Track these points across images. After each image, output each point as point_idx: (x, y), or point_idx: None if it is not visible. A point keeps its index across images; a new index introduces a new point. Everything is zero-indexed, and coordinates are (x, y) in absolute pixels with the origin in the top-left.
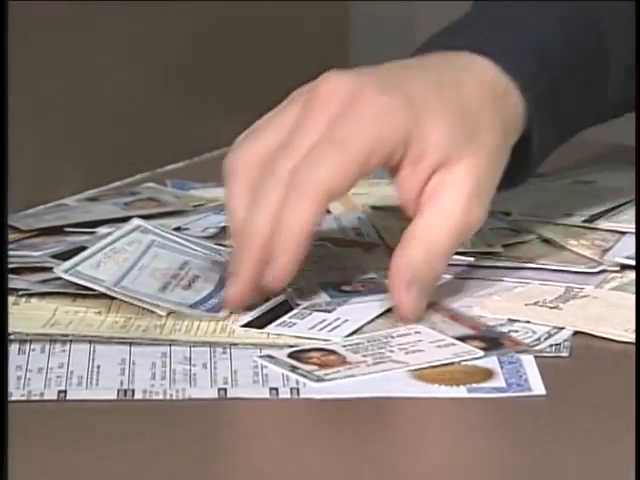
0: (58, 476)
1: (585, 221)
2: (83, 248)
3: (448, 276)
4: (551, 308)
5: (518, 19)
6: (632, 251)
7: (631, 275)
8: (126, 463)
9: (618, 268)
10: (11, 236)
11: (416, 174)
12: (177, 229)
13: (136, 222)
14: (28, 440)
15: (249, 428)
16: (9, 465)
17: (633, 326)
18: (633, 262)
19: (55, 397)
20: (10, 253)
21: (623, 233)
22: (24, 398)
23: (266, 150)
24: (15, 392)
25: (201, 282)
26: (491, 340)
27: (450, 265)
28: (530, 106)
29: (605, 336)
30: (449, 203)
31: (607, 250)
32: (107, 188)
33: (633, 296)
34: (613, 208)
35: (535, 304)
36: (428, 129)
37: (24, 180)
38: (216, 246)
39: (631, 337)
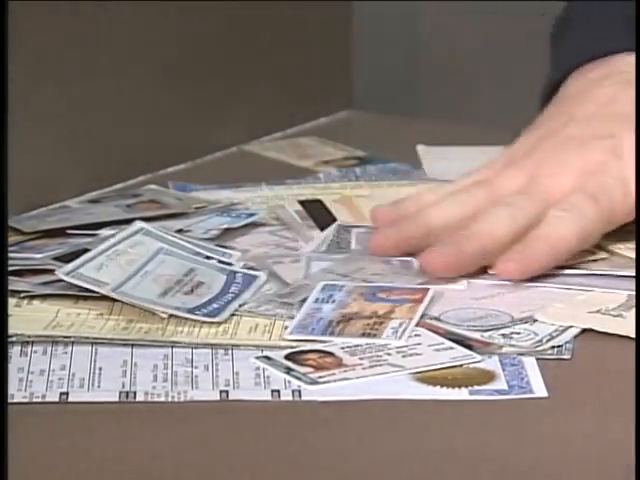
0: (59, 478)
1: None
2: (85, 250)
3: (512, 285)
4: (614, 316)
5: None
6: None
7: None
8: (127, 465)
9: None
10: (12, 238)
11: None
12: (179, 231)
13: (138, 225)
14: (30, 442)
15: (251, 430)
16: (10, 466)
17: None
18: None
19: (57, 399)
20: (12, 255)
21: None
22: (26, 400)
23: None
24: (17, 394)
25: (204, 288)
26: (458, 343)
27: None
28: None
29: None
30: None
31: None
32: (109, 190)
33: None
34: None
35: (598, 312)
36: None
37: (25, 182)
38: (221, 249)
39: None
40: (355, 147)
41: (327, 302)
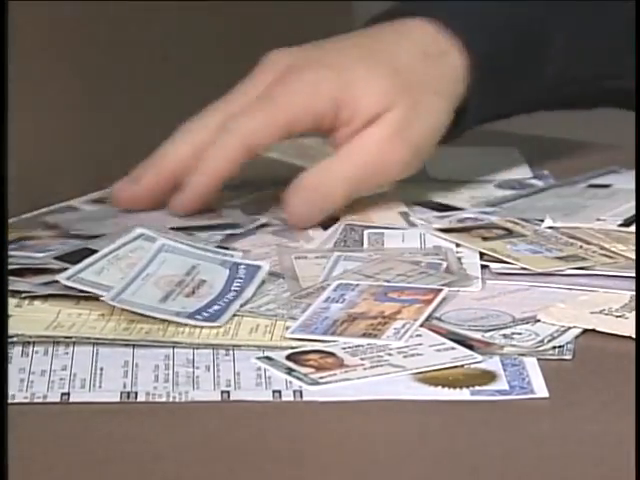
0: (60, 478)
1: (621, 225)
2: (87, 250)
3: (514, 284)
4: (617, 317)
5: None
6: None
7: None
8: (129, 466)
9: None
10: (12, 234)
11: (350, 132)
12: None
13: (139, 230)
14: (31, 442)
15: (252, 431)
16: (11, 467)
17: None
18: None
19: (58, 399)
20: (13, 254)
21: None
22: (27, 400)
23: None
24: (18, 394)
25: (206, 287)
26: (460, 344)
27: (516, 274)
28: (470, 66)
29: None
30: (366, 139)
31: None
32: (104, 193)
33: None
34: None
35: (601, 312)
36: (357, 93)
37: (26, 183)
38: (224, 250)
39: None
40: None
41: (337, 302)
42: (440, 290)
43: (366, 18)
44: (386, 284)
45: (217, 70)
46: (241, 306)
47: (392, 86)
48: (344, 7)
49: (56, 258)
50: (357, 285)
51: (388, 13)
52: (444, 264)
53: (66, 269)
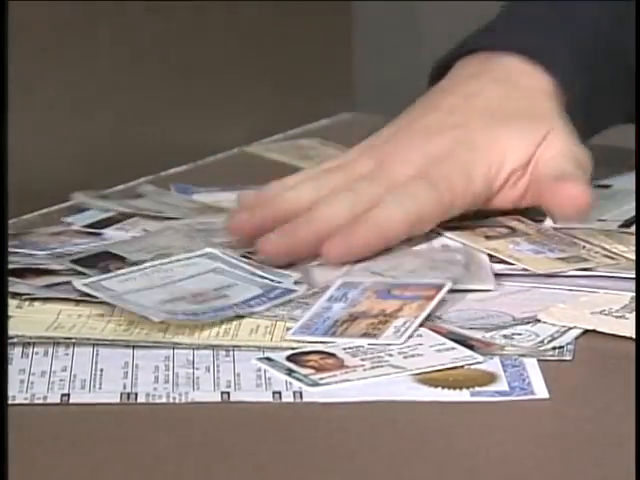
0: (61, 478)
1: (622, 226)
2: (108, 254)
3: (515, 285)
4: (617, 317)
5: (554, 19)
6: None
7: None
8: (129, 467)
9: None
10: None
11: (511, 190)
12: None
13: (207, 250)
14: (31, 443)
15: (252, 432)
16: (11, 468)
17: None
18: None
19: (58, 400)
20: (14, 250)
21: None
22: (27, 401)
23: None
24: (18, 395)
25: (223, 299)
26: (460, 344)
27: (518, 275)
28: (569, 105)
29: None
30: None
31: None
32: (111, 191)
33: None
34: None
35: (601, 313)
36: (504, 163)
37: (26, 182)
38: (281, 278)
39: None
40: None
41: (339, 300)
42: (442, 285)
43: (364, 16)
44: (390, 281)
45: (219, 71)
46: (240, 316)
47: (531, 131)
48: (343, 7)
49: (74, 261)
50: (361, 283)
51: (467, 47)
52: (462, 261)
53: (71, 272)
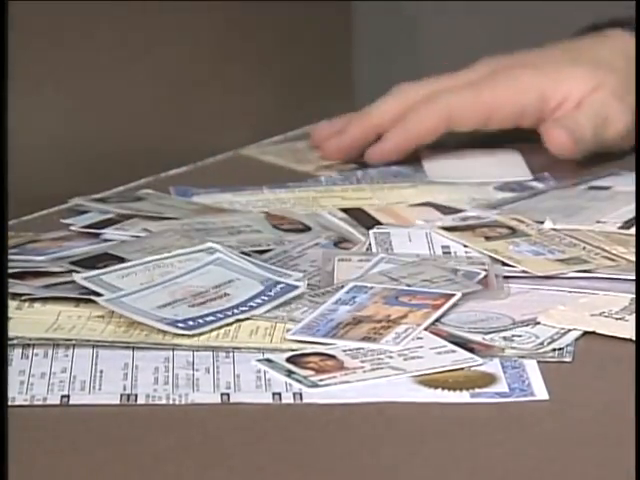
0: (62, 475)
1: (621, 227)
2: (108, 255)
3: (514, 287)
4: (617, 319)
5: None
6: None
7: None
8: (128, 467)
9: None
10: (12, 241)
11: (563, 113)
12: None
13: (209, 244)
14: (31, 445)
15: (252, 433)
16: (11, 469)
17: None
18: None
19: (58, 402)
20: (13, 257)
21: None
22: (27, 403)
23: None
24: (18, 397)
25: (224, 300)
26: (460, 346)
27: (517, 277)
28: None
29: None
30: (588, 103)
31: None
32: (111, 192)
33: None
34: None
35: (600, 315)
36: (564, 82)
37: (27, 184)
38: (283, 270)
39: None
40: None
41: (346, 304)
42: (451, 296)
43: (364, 16)
44: (400, 287)
45: (217, 74)
46: (240, 320)
47: (596, 70)
48: (343, 7)
49: (73, 262)
50: (371, 288)
51: (583, 30)
52: (482, 274)
53: (70, 272)
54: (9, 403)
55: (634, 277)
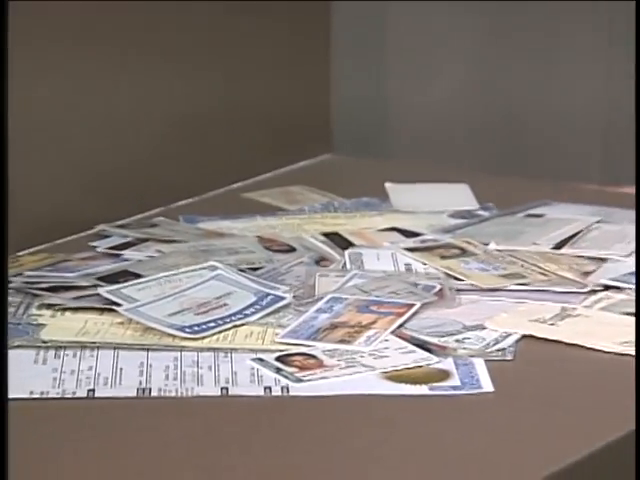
0: (88, 460)
1: (552, 248)
2: (127, 272)
3: (465, 298)
4: (550, 325)
5: None
6: (616, 274)
7: (616, 296)
8: (143, 450)
9: (601, 288)
10: (47, 260)
11: None
12: None
13: (212, 262)
14: (62, 431)
15: (247, 421)
16: (46, 452)
17: (619, 339)
18: (618, 284)
19: (85, 395)
20: (48, 274)
21: (603, 260)
22: (59, 396)
23: None
24: (51, 391)
25: (223, 309)
26: (420, 347)
27: (467, 290)
28: None
29: (595, 347)
30: None
31: (588, 273)
32: (130, 220)
33: (618, 316)
34: (571, 237)
35: (536, 321)
36: None
37: (51, 212)
38: (272, 284)
39: (618, 348)
40: (335, 188)
41: (325, 312)
42: (413, 305)
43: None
44: (371, 298)
45: (216, 122)
46: (236, 326)
47: None
48: (322, 7)
49: (99, 278)
50: (346, 299)
51: None
52: (438, 287)
53: (95, 286)
54: (42, 396)
55: (563, 289)
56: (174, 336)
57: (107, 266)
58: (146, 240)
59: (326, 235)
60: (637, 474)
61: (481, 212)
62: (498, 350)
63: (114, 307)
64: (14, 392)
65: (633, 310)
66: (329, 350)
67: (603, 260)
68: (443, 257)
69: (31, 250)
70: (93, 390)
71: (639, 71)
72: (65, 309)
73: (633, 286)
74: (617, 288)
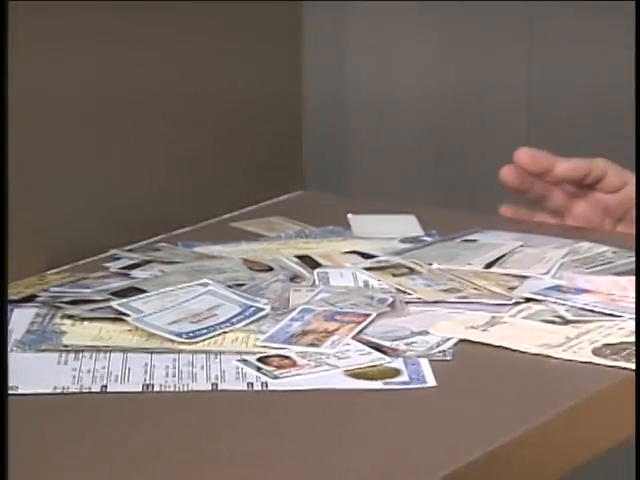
0: (101, 443)
1: (484, 267)
2: (134, 288)
3: (412, 308)
4: (482, 330)
5: None
6: (536, 289)
7: (535, 307)
8: (147, 436)
9: (524, 300)
10: (68, 278)
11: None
12: None
13: (204, 280)
14: (80, 420)
15: (233, 411)
16: (68, 437)
17: (538, 342)
18: (537, 297)
19: (99, 390)
20: (69, 290)
21: (525, 277)
22: (77, 390)
23: None
24: (71, 386)
25: (213, 318)
26: (376, 349)
27: (414, 302)
28: None
29: (518, 349)
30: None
31: (512, 288)
32: (136, 246)
33: (537, 323)
34: (499, 258)
35: (471, 327)
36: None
37: (62, 238)
38: (255, 298)
39: (537, 350)
40: (307, 219)
41: (298, 320)
42: (369, 315)
43: (315, 20)
44: (335, 309)
45: (204, 164)
46: (225, 332)
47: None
48: (293, 7)
49: (111, 293)
50: (315, 309)
51: None
52: (390, 300)
53: (108, 300)
54: (64, 391)
55: (492, 301)
56: (173, 341)
57: (118, 283)
58: (150, 262)
59: (299, 257)
60: (637, 474)
61: (426, 238)
62: (440, 351)
63: (123, 317)
64: (41, 388)
65: (549, 318)
66: (301, 352)
67: (525, 277)
68: (394, 275)
69: (56, 270)
70: (106, 386)
71: (639, 71)
72: (83, 319)
73: (549, 298)
74: (536, 300)
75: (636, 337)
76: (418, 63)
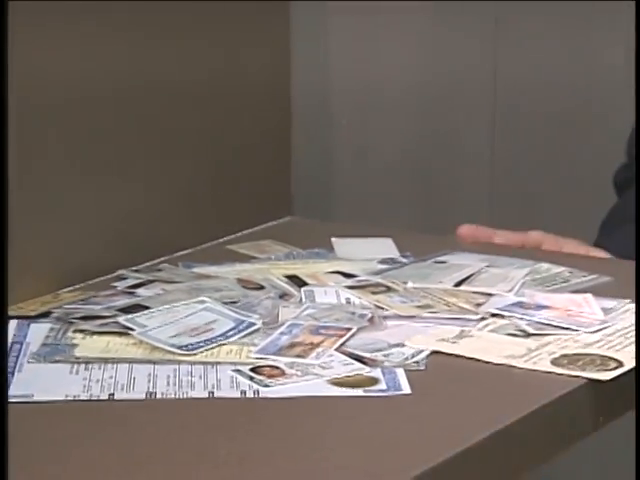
0: (109, 447)
1: (454, 285)
2: (140, 305)
3: (390, 323)
4: (452, 343)
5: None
6: (500, 305)
7: (500, 322)
8: (150, 438)
9: (490, 316)
10: (81, 296)
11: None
12: None
13: (201, 298)
14: (89, 425)
15: (229, 416)
16: (78, 440)
17: (503, 354)
18: (502, 312)
19: (107, 398)
20: (81, 307)
21: (491, 294)
22: (87, 398)
23: None
24: (82, 394)
25: (210, 332)
26: (356, 360)
27: (391, 317)
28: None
29: (485, 359)
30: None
31: (479, 304)
32: (142, 266)
33: (502, 336)
34: (467, 277)
35: (442, 340)
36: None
37: (92, 261)
38: (247, 313)
39: (502, 360)
40: (295, 242)
41: (286, 334)
42: (351, 329)
43: (302, 19)
44: (320, 324)
45: (199, 191)
46: (220, 345)
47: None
48: (281, 7)
49: (119, 310)
50: (302, 324)
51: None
52: (369, 315)
53: (116, 316)
54: (74, 399)
55: (461, 316)
56: (174, 353)
57: (124, 301)
58: (154, 281)
59: (287, 277)
60: (637, 474)
61: (401, 259)
62: (414, 362)
63: (129, 331)
64: (54, 395)
65: (513, 332)
66: (289, 362)
67: (490, 295)
68: (373, 293)
69: (69, 288)
70: (113, 394)
71: (639, 71)
72: (93, 333)
73: (513, 314)
74: (501, 315)
75: (636, 337)
76: (399, 63)
